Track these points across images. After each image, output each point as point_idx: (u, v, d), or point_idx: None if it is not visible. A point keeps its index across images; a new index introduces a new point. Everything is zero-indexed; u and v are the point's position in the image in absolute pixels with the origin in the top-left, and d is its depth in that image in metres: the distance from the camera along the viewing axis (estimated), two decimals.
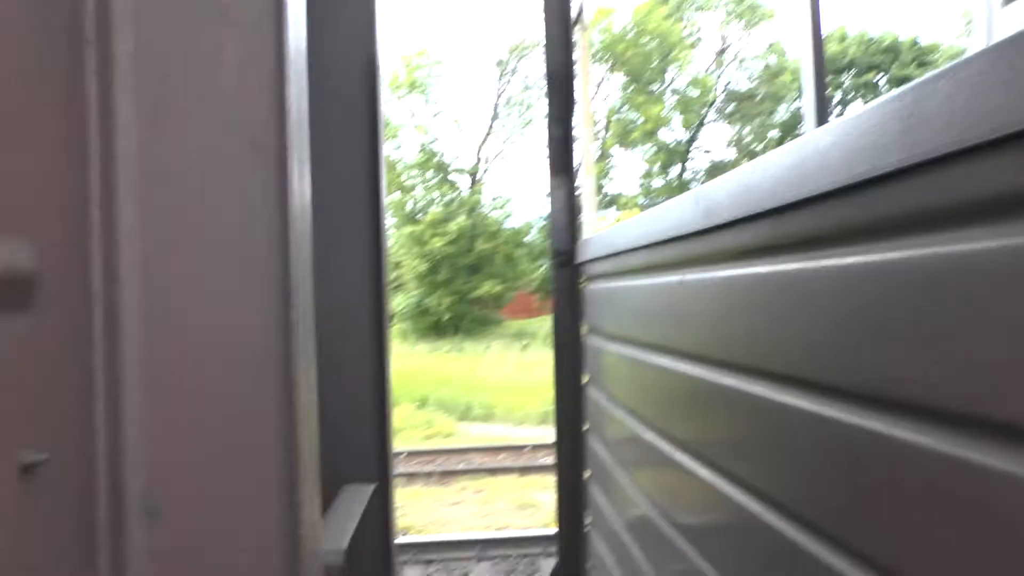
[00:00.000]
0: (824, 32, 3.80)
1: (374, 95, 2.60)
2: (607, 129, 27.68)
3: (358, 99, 2.58)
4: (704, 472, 1.39)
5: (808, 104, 4.27)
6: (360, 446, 2.53)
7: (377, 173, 2.59)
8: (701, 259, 1.39)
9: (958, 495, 0.72)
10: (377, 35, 2.61)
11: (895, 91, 0.79)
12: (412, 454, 10.53)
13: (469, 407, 14.72)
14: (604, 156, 27.67)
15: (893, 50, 24.95)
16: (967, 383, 0.71)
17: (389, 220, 26.55)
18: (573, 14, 3.06)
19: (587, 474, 2.69)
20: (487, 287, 24.95)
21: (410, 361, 18.59)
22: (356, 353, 2.54)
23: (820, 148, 0.91)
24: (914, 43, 24.85)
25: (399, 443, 10.28)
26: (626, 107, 27.80)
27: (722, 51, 27.68)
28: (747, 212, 1.12)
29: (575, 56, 3.21)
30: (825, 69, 4.18)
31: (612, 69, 27.25)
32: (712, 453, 1.37)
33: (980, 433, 0.70)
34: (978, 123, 0.66)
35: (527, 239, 26.63)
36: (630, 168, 34.40)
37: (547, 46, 2.94)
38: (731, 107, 27.65)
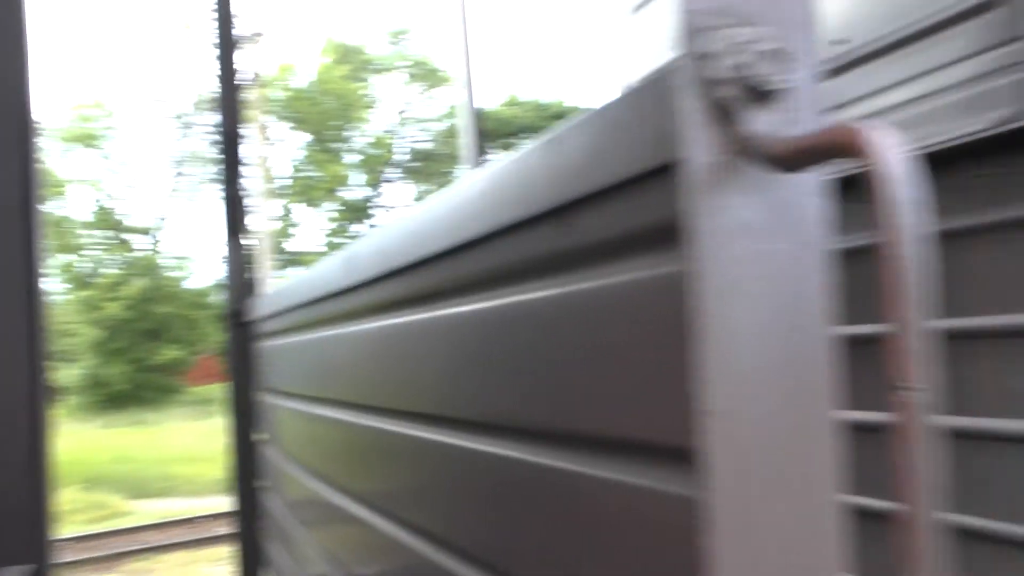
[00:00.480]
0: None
1: (28, 148, 2.46)
2: (290, 187, 27.36)
3: (7, 153, 2.43)
4: (363, 512, 1.50)
5: (469, 165, 4.64)
6: (14, 529, 2.35)
7: (32, 234, 2.45)
8: (352, 313, 1.51)
9: (575, 502, 0.88)
10: (30, 83, 2.47)
11: (482, 173, 0.96)
12: (81, 539, 9.61)
13: (146, 482, 13.74)
14: (287, 214, 27.30)
15: (561, 115, 27.26)
16: (566, 407, 0.87)
17: (59, 285, 24.06)
18: (252, 71, 3.09)
19: (266, 534, 2.69)
20: (168, 353, 23.46)
21: (83, 438, 16.94)
22: (8, 433, 2.37)
23: (429, 219, 1.07)
24: (577, 109, 27.28)
25: (67, 528, 9.34)
26: (309, 165, 27.68)
27: (403, 112, 28.59)
28: (383, 271, 1.26)
29: (253, 113, 3.25)
30: (488, 133, 4.57)
31: (295, 127, 27.07)
32: (368, 493, 1.48)
33: (574, 447, 0.85)
34: (530, 201, 0.85)
35: (209, 299, 25.45)
36: (314, 225, 34.19)
37: (217, 105, 2.94)
38: (414, 166, 28.53)
